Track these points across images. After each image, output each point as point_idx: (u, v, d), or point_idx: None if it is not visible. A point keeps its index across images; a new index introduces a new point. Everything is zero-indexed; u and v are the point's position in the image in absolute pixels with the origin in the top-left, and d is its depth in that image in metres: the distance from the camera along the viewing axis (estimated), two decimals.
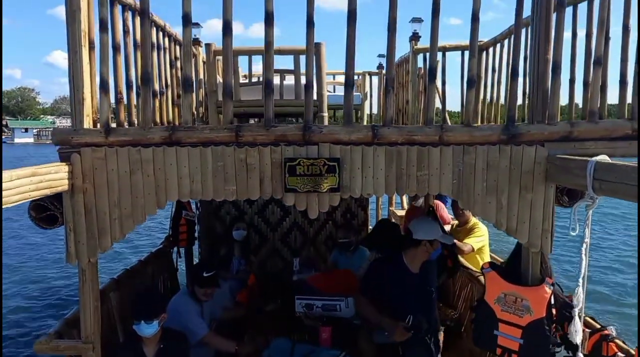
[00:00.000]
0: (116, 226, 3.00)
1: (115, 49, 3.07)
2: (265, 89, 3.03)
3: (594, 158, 2.45)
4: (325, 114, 5.31)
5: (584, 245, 2.82)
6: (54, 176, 2.75)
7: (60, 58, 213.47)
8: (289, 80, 5.49)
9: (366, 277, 3.89)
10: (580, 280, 2.86)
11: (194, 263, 5.78)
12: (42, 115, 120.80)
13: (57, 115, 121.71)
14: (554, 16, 2.93)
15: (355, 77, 9.93)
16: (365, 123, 7.00)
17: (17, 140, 76.29)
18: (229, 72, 3.09)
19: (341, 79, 6.13)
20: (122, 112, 3.16)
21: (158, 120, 3.67)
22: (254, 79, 6.07)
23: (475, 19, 2.97)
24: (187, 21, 2.96)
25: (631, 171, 2.13)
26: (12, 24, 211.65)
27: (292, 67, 4.95)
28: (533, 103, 3.07)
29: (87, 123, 2.99)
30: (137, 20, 3.26)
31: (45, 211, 2.92)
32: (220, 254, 5.60)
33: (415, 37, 5.88)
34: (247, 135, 2.98)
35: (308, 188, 2.97)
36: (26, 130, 79.69)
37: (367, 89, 7.57)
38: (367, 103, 7.43)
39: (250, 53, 5.49)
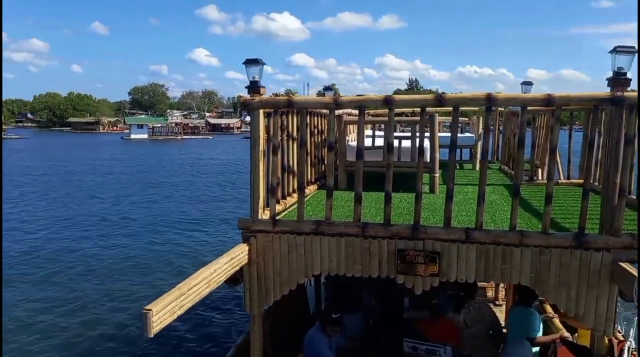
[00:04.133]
0: (277, 288, 4.46)
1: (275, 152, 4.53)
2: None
3: None
4: (437, 175, 6.45)
5: None
6: (240, 254, 4.27)
7: (202, 55, 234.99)
8: (406, 143, 6.69)
9: None
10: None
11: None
12: (168, 110, 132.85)
13: (182, 110, 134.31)
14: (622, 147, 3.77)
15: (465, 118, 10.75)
16: (478, 162, 7.97)
17: (133, 136, 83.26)
18: (361, 139, 4.38)
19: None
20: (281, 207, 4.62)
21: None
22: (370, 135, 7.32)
23: None
24: (337, 106, 4.28)
25: None
26: (160, 24, 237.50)
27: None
28: (602, 216, 3.93)
29: (261, 215, 4.48)
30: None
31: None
32: (351, 289, 6.81)
33: None
34: (370, 231, 4.24)
35: (414, 272, 4.16)
36: (141, 126, 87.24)
37: (481, 128, 8.39)
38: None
39: (375, 123, 6.76)
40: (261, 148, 4.41)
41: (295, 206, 5.11)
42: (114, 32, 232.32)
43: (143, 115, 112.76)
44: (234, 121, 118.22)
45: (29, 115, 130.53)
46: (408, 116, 8.51)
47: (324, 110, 5.99)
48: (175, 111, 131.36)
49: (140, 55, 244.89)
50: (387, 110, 4.22)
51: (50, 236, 16.87)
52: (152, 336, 3.15)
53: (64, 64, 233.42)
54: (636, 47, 3.75)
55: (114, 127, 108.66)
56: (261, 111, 4.38)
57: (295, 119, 5.12)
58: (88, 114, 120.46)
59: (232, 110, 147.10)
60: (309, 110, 5.39)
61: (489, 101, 3.98)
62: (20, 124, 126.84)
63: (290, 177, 5.19)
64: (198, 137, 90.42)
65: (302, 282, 4.47)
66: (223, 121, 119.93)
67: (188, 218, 19.64)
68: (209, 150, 59.15)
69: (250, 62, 4.27)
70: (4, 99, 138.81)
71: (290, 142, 5.11)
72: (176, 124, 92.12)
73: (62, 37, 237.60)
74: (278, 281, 4.44)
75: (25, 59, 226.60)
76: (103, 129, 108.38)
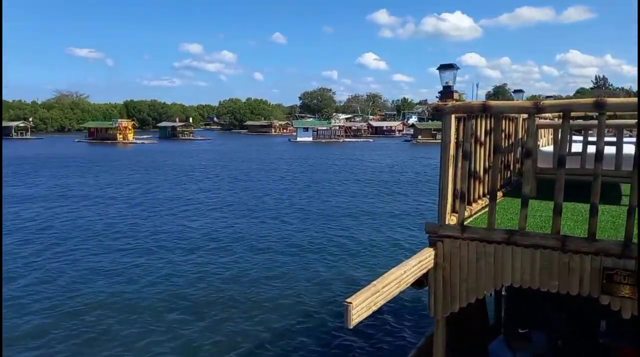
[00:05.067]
0: (463, 295, 4.43)
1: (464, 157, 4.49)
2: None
3: None
4: None
5: None
6: (427, 257, 4.34)
7: (370, 59, 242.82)
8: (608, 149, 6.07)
9: None
10: None
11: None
12: (334, 113, 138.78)
13: (347, 113, 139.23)
14: None
15: None
16: None
17: (299, 138, 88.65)
18: (564, 147, 4.13)
19: None
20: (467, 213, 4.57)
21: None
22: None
23: None
24: (539, 110, 4.09)
25: None
26: (333, 32, 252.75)
27: None
28: None
29: (448, 220, 4.49)
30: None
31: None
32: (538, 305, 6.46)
33: None
34: (571, 245, 3.97)
35: (622, 294, 3.78)
36: (307, 129, 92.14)
37: None
38: None
39: (581, 128, 6.27)
40: (451, 153, 4.42)
41: (481, 213, 5.02)
42: (291, 41, 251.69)
43: (310, 119, 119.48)
44: (395, 124, 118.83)
45: (214, 119, 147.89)
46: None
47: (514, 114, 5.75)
48: (340, 114, 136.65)
49: (314, 62, 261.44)
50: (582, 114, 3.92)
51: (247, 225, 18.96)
52: (351, 327, 3.40)
53: (248, 72, 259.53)
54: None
55: (284, 130, 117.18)
56: (453, 116, 4.39)
57: (484, 123, 5.03)
58: (263, 118, 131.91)
59: (395, 112, 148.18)
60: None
61: None
62: (207, 127, 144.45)
63: (477, 183, 5.10)
64: (359, 139, 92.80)
65: (489, 292, 4.36)
66: (385, 124, 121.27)
67: (350, 213, 20.39)
68: (368, 153, 60.49)
69: (445, 68, 4.33)
70: (198, 104, 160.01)
71: (478, 147, 5.03)
72: (339, 126, 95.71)
73: (248, 48, 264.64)
74: (465, 288, 4.40)
75: (217, 68, 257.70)
76: (274, 132, 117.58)
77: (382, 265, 13.49)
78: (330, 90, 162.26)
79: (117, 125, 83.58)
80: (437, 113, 4.39)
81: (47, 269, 13.38)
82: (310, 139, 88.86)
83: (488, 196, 5.34)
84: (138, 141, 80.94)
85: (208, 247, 15.71)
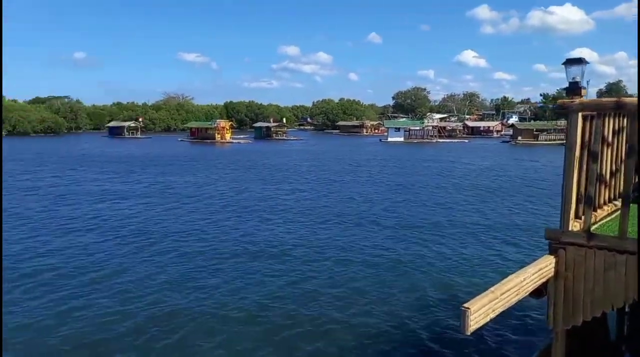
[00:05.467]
0: (587, 307, 4.12)
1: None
2: None
3: None
4: None
5: None
6: (547, 266, 4.09)
7: (469, 57, 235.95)
8: None
9: None
10: None
11: None
12: (428, 113, 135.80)
13: (442, 113, 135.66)
14: None
15: None
16: None
17: (389, 138, 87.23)
18: None
19: None
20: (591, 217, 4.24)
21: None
22: None
23: None
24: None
25: None
26: (430, 30, 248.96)
27: None
28: None
29: (571, 226, 4.20)
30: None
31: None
32: None
33: None
34: None
35: None
36: (398, 129, 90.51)
37: None
38: None
39: None
40: (577, 154, 4.13)
41: (607, 220, 4.65)
42: (387, 41, 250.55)
43: (403, 119, 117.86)
44: (493, 124, 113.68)
45: (308, 119, 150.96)
46: None
47: None
48: (434, 114, 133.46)
49: (409, 61, 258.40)
50: None
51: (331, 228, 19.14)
52: (468, 333, 3.29)
53: (342, 72, 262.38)
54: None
55: (376, 130, 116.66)
56: (579, 115, 4.10)
57: (612, 122, 4.64)
58: (355, 118, 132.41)
59: (493, 112, 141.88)
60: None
61: None
62: (301, 127, 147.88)
63: (602, 187, 4.72)
64: (453, 140, 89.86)
65: (619, 306, 4.02)
66: (482, 124, 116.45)
67: (451, 222, 19.71)
68: (463, 154, 57.96)
69: (572, 62, 4.05)
70: (293, 104, 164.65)
71: (605, 148, 4.64)
72: (432, 126, 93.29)
73: (343, 49, 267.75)
74: (589, 299, 4.10)
75: (312, 70, 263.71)
76: (366, 132, 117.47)
77: (481, 276, 12.99)
78: (425, 89, 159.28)
79: (215, 125, 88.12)
80: (563, 111, 4.12)
81: (140, 267, 13.92)
82: (402, 139, 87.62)
83: (614, 202, 4.94)
84: (234, 141, 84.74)
85: (296, 251, 15.40)
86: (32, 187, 29.40)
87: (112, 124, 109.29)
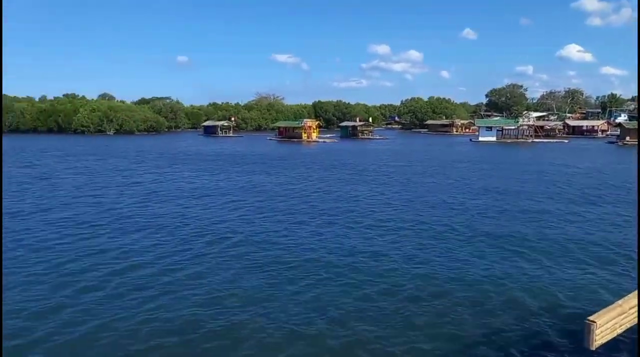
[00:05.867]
0: None
1: None
2: None
3: None
4: None
5: None
6: None
7: (573, 51, 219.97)
8: None
9: None
10: None
11: None
12: (524, 111, 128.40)
13: (540, 111, 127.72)
14: None
15: None
16: None
17: (480, 138, 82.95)
18: None
19: None
20: None
21: None
22: None
23: None
24: None
25: None
26: (531, 24, 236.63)
27: None
28: None
29: None
30: None
31: None
32: None
33: None
34: None
35: None
36: (490, 128, 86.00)
37: None
38: None
39: None
40: None
41: None
42: (482, 37, 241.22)
43: (497, 118, 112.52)
44: (598, 123, 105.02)
45: (396, 118, 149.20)
46: None
47: None
48: (532, 113, 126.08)
49: (506, 57, 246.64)
50: None
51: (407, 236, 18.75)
52: (593, 348, 3.09)
53: (433, 70, 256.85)
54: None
55: (466, 129, 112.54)
56: None
57: None
58: (444, 117, 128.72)
59: (599, 111, 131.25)
60: None
61: None
62: (389, 126, 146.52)
63: None
64: (551, 140, 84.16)
65: None
66: (585, 123, 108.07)
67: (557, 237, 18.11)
68: (562, 156, 53.64)
69: None
70: (381, 103, 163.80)
71: None
72: (528, 126, 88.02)
73: (435, 46, 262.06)
74: None
75: (402, 68, 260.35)
76: (455, 131, 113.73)
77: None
78: (522, 86, 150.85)
79: (302, 124, 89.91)
80: None
81: (218, 269, 14.75)
82: (494, 138, 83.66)
83: None
84: (320, 140, 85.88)
85: (377, 261, 14.97)
86: (130, 183, 31.88)
87: (207, 123, 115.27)
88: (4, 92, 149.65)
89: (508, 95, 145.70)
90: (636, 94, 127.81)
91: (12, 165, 42.11)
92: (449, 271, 13.73)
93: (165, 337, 9.81)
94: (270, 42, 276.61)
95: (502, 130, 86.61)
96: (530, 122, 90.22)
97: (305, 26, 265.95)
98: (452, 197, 26.20)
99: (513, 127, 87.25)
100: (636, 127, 76.86)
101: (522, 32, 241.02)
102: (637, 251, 14.75)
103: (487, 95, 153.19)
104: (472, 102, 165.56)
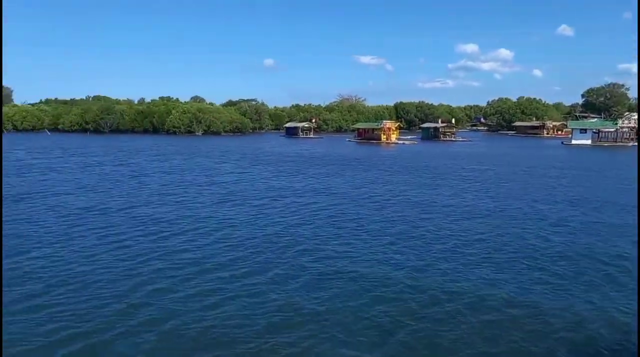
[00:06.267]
0: None
1: None
2: None
3: None
4: None
5: None
6: None
7: None
8: None
9: None
10: None
11: None
12: (626, 112, 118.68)
13: None
14: None
15: None
16: None
17: (573, 141, 78.18)
18: None
19: None
20: None
21: None
22: None
23: None
24: None
25: None
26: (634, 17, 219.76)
27: None
28: None
29: None
30: None
31: None
32: None
33: None
34: None
35: None
36: (585, 131, 79.99)
37: None
38: None
39: None
40: None
41: None
42: (580, 33, 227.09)
43: (595, 119, 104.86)
44: None
45: (482, 119, 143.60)
46: None
47: None
48: (634, 114, 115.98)
49: (607, 54, 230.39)
50: None
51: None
52: None
53: (525, 69, 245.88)
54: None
55: (559, 132, 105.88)
56: None
57: None
58: (534, 118, 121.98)
59: None
60: None
61: None
62: (473, 128, 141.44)
63: None
64: None
65: None
66: None
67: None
68: None
69: None
70: (466, 104, 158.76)
71: None
72: (629, 128, 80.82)
73: (527, 44, 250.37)
74: None
75: (491, 67, 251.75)
76: (546, 133, 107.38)
77: None
78: (623, 85, 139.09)
79: (382, 126, 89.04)
80: None
81: (277, 269, 14.96)
82: (589, 141, 78.01)
83: None
84: (399, 142, 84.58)
85: (436, 268, 15.03)
86: (211, 183, 33.25)
87: (288, 124, 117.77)
88: (105, 94, 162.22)
89: (607, 95, 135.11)
90: None
91: (109, 164, 45.54)
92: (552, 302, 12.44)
93: (231, 344, 10.08)
94: (353, 42, 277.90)
95: (598, 133, 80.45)
96: (632, 124, 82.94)
97: (389, 27, 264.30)
98: (534, 208, 24.69)
99: (611, 130, 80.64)
100: None
101: (625, 27, 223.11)
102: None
103: (583, 95, 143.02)
104: (567, 103, 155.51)
